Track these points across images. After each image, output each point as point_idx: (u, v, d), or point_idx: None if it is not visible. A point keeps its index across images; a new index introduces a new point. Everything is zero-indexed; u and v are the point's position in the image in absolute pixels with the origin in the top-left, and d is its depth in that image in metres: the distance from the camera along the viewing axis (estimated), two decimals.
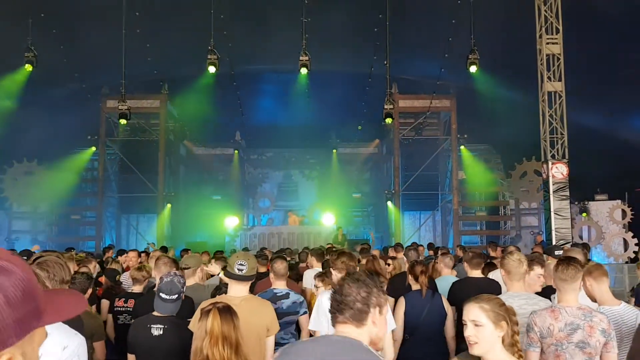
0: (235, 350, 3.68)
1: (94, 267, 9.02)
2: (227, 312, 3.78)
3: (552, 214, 16.76)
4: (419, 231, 28.90)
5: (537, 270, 6.23)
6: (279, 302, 6.20)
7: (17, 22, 17.91)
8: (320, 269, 8.14)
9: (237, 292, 5.09)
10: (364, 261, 9.07)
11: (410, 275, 6.96)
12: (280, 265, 6.47)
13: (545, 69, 16.95)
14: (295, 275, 9.33)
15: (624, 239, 21.44)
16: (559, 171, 16.72)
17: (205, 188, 28.69)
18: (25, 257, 8.42)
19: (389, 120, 19.95)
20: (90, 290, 6.18)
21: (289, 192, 31.81)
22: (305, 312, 6.27)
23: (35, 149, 23.76)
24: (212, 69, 18.50)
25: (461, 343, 5.84)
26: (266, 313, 5.08)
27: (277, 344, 5.33)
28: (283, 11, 19.45)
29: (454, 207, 25.95)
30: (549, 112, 17.02)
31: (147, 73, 22.65)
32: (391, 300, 7.53)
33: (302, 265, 11.17)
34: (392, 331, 5.46)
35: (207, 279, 8.57)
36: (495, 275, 7.25)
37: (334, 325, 2.93)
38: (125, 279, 8.28)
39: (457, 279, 8.12)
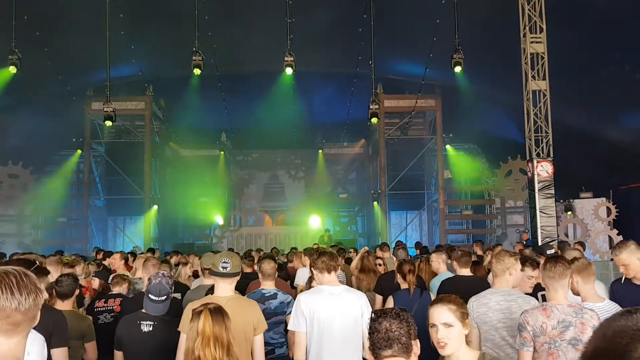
0: (226, 350, 3.69)
1: (82, 269, 9.00)
2: (218, 312, 3.79)
3: (538, 212, 16.83)
4: (405, 231, 28.96)
5: (528, 271, 6.28)
6: (267, 302, 6.23)
7: (0, 25, 17.81)
8: None
9: (223, 291, 5.11)
10: (356, 258, 9.15)
11: (398, 274, 6.99)
12: (268, 266, 6.49)
13: (530, 68, 17.03)
14: (284, 275, 9.40)
15: (609, 237, 21.53)
16: (544, 169, 16.80)
17: (191, 190, 28.62)
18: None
19: (374, 120, 19.96)
20: (77, 292, 6.18)
21: (275, 193, 31.76)
22: None
23: (20, 152, 23.64)
24: (196, 71, 18.44)
25: None
26: (252, 312, 5.10)
27: (267, 344, 5.36)
28: (267, 12, 19.45)
29: (440, 206, 26.05)
30: (533, 110, 17.10)
31: (132, 75, 22.60)
32: (379, 298, 7.61)
33: (290, 265, 11.22)
34: None
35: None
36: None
37: (380, 358, 3.08)
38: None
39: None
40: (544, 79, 16.99)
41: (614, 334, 1.46)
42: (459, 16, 17.09)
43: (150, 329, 5.18)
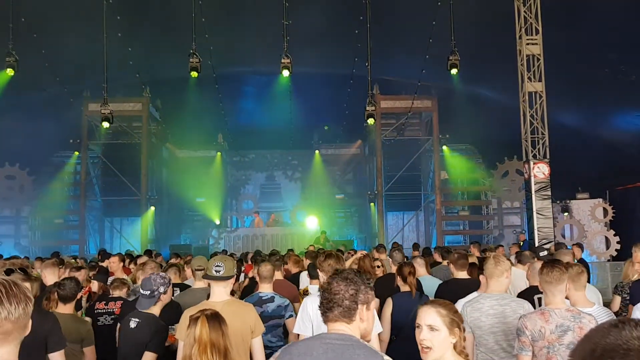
0: (224, 356, 3.71)
1: (85, 273, 8.94)
2: (215, 319, 3.81)
3: (535, 213, 16.89)
4: (402, 231, 28.96)
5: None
6: (264, 306, 6.25)
7: None
8: None
9: (219, 295, 5.16)
10: (349, 260, 9.15)
11: (398, 277, 6.97)
12: (265, 269, 6.51)
13: (526, 70, 17.07)
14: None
15: (606, 237, 21.61)
16: (540, 171, 16.85)
17: (188, 190, 28.61)
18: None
19: (371, 121, 19.99)
20: (79, 296, 6.23)
21: (272, 193, 31.74)
22: (291, 316, 6.30)
23: (17, 153, 23.66)
24: (193, 74, 18.43)
25: None
26: (249, 315, 5.13)
27: (265, 347, 5.37)
28: (264, 13, 19.45)
29: (437, 207, 26.05)
30: (529, 112, 17.14)
31: (129, 76, 22.58)
32: (377, 301, 7.57)
33: (285, 267, 11.20)
34: (379, 333, 5.49)
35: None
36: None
37: (325, 322, 3.04)
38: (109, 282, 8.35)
39: (435, 279, 8.18)
40: (540, 80, 17.04)
41: (604, 352, 1.44)
42: (454, 18, 17.12)
43: (135, 325, 5.33)
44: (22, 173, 24.55)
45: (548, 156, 17.04)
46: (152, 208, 25.98)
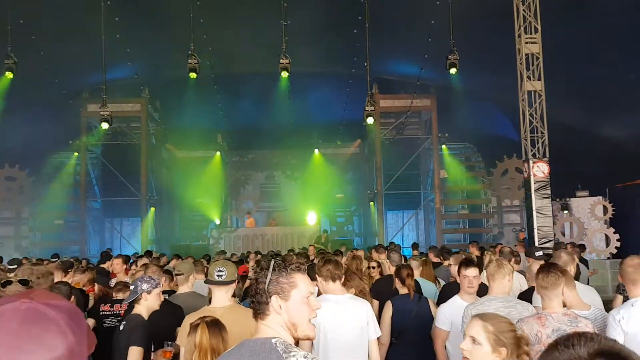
0: None
1: (88, 277, 8.93)
2: (215, 325, 3.83)
3: (534, 212, 16.87)
4: (402, 230, 28.99)
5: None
6: None
7: None
8: None
9: (220, 301, 5.13)
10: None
11: (397, 279, 6.95)
12: None
13: (525, 69, 17.06)
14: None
15: (606, 235, 21.60)
16: (540, 170, 16.83)
17: (188, 191, 28.62)
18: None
19: (370, 121, 20.01)
20: (72, 299, 6.23)
21: (271, 193, 31.78)
22: None
23: (16, 155, 23.68)
24: (192, 75, 18.43)
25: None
26: (250, 320, 5.12)
27: None
28: (262, 14, 19.44)
29: (437, 206, 26.07)
30: (529, 111, 17.13)
31: (128, 77, 22.59)
32: (375, 303, 7.55)
33: None
34: (378, 337, 5.48)
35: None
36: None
37: None
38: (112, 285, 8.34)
39: (427, 282, 8.16)
40: (539, 79, 17.02)
41: None
42: (453, 17, 17.12)
43: (122, 327, 5.37)
44: (22, 174, 24.62)
45: (547, 155, 17.03)
46: (153, 209, 26.02)
